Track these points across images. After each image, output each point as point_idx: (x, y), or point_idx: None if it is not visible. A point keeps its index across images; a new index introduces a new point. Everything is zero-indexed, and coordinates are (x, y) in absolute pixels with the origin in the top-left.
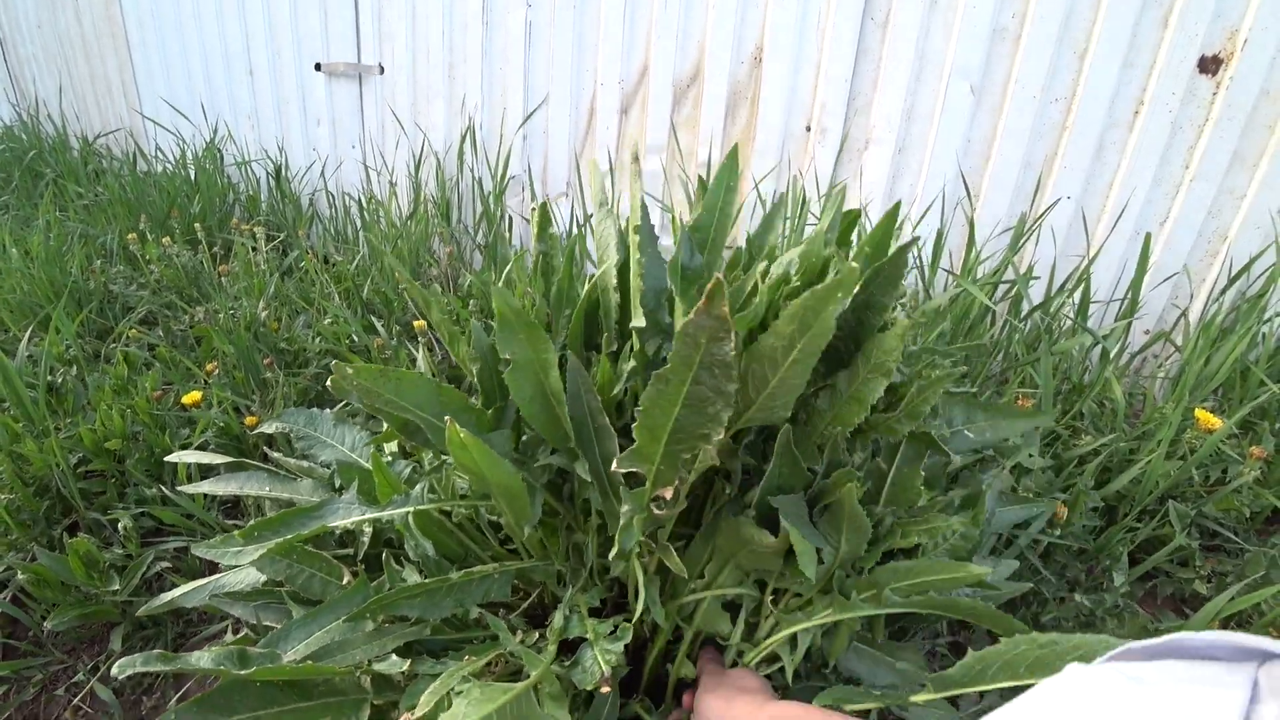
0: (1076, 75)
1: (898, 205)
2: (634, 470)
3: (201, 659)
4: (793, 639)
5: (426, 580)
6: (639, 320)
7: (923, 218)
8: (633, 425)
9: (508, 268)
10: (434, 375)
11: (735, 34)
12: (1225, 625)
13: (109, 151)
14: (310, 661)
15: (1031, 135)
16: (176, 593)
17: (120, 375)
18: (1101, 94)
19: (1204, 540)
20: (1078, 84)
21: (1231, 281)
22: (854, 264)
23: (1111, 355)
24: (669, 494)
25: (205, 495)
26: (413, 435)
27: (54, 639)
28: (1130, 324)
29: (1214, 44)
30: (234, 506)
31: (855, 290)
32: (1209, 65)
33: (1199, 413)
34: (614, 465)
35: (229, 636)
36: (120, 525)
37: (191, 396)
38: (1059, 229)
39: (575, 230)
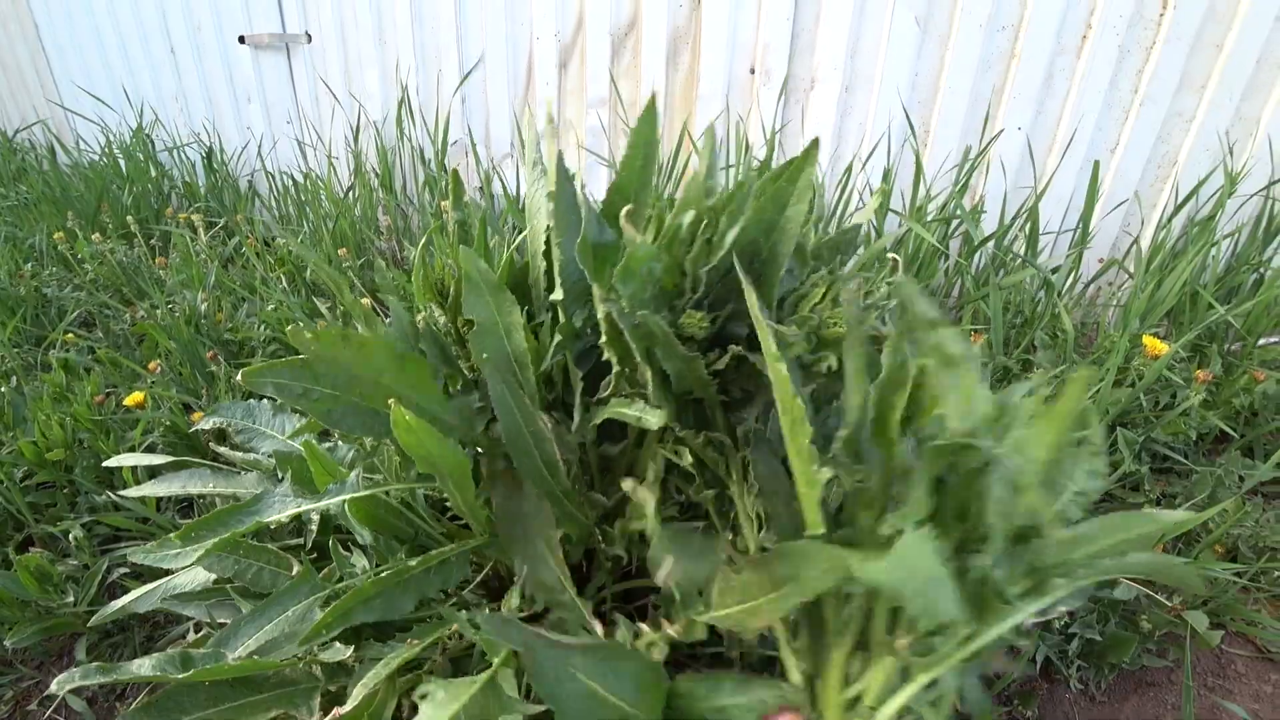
0: (1023, 1)
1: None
2: None
3: (142, 666)
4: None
5: (382, 574)
6: (558, 294)
7: (870, 156)
8: None
9: (424, 238)
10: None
11: None
12: (1174, 544)
13: (31, 147)
14: (257, 657)
15: (979, 66)
16: (127, 599)
17: (58, 383)
18: (1049, 19)
19: (1155, 464)
20: (1024, 9)
21: (1180, 206)
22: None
23: (1064, 286)
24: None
25: (158, 497)
26: (339, 422)
27: (20, 655)
28: (1081, 254)
29: None
30: (189, 506)
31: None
32: None
33: (1146, 339)
34: None
35: (191, 636)
36: (71, 536)
37: (134, 398)
38: (1009, 162)
39: (519, 196)
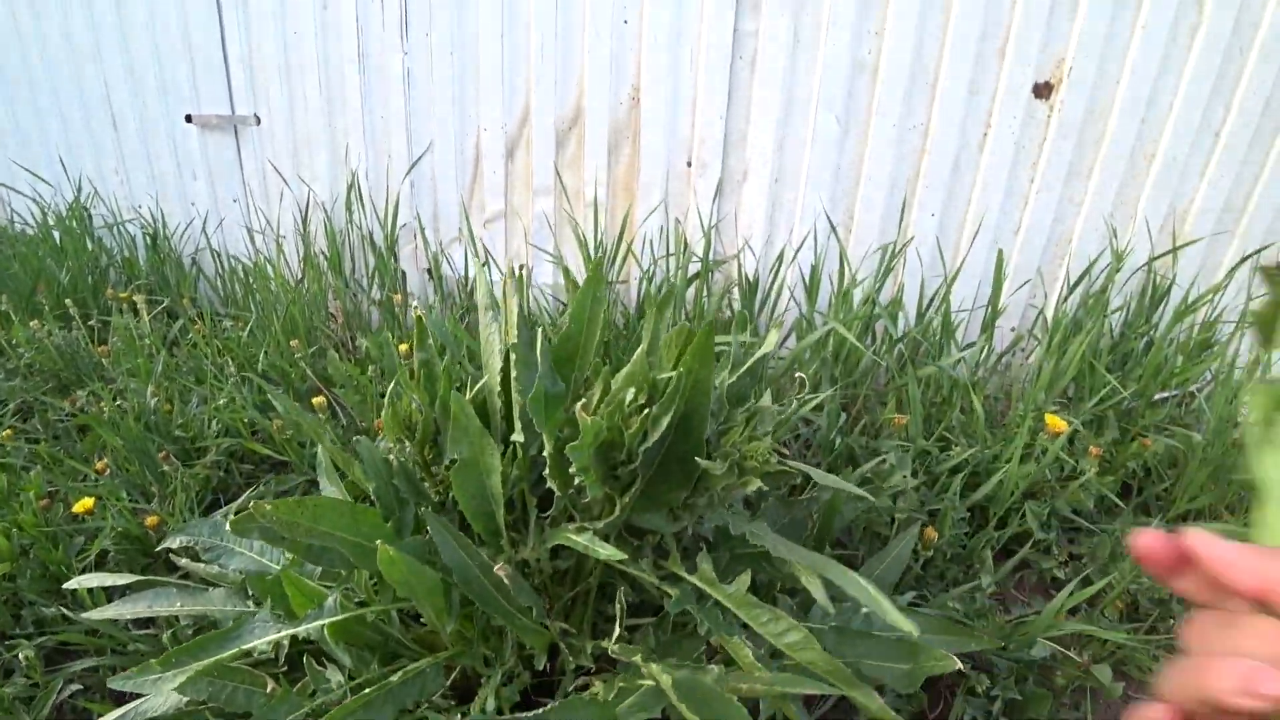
0: (930, 103)
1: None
2: None
3: None
4: None
5: (365, 693)
6: (518, 435)
7: (799, 249)
8: None
9: (393, 382)
10: (340, 476)
11: (612, 75)
12: (1083, 605)
13: None
14: None
15: (895, 159)
16: None
17: (0, 487)
18: (953, 119)
19: (1065, 527)
20: (931, 111)
21: (1076, 283)
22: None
23: (979, 359)
24: None
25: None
26: (318, 559)
27: None
28: (992, 331)
29: (1045, 71)
30: (147, 621)
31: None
32: (1042, 91)
33: (1048, 418)
34: None
35: None
36: (22, 655)
37: (83, 504)
38: (925, 248)
39: (468, 278)
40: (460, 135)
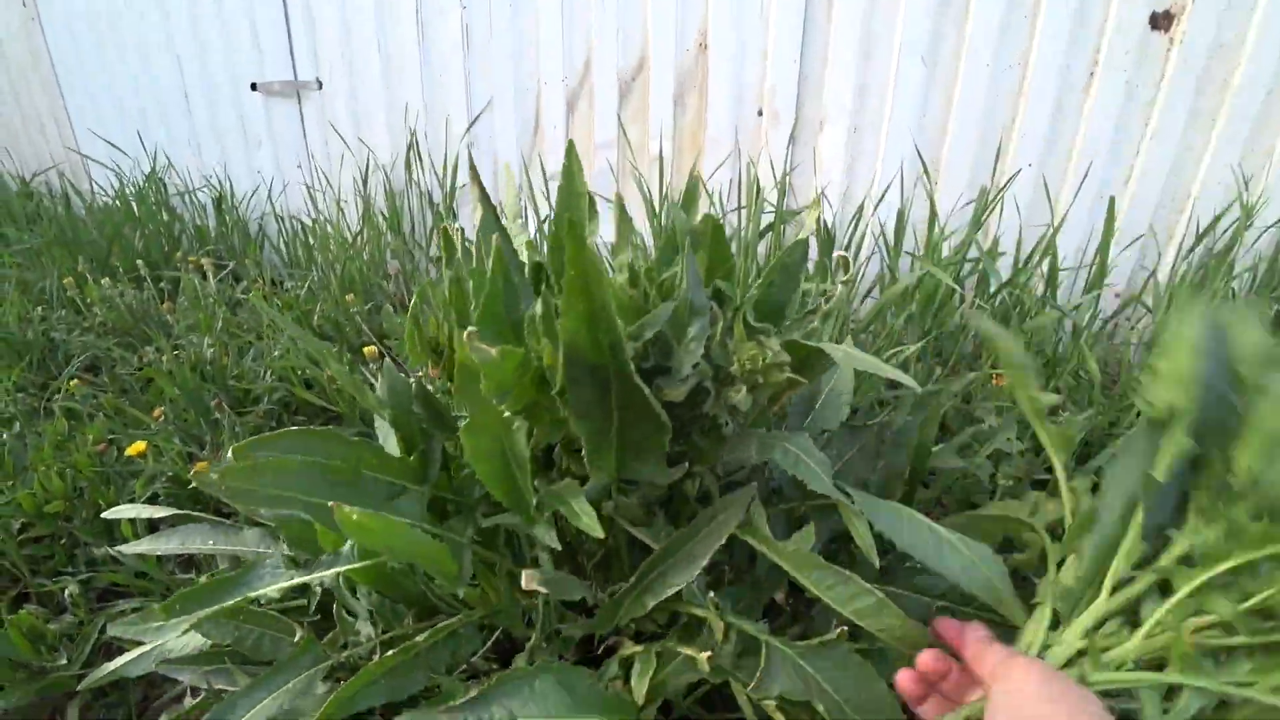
0: (1028, 39)
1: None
2: None
3: None
4: None
5: (388, 656)
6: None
7: (880, 200)
8: None
9: (413, 299)
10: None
11: (678, 22)
12: None
13: (48, 192)
14: None
15: (988, 103)
16: (118, 663)
17: (60, 430)
18: (1054, 57)
19: None
20: (1030, 48)
21: (1199, 239)
22: None
23: (1083, 324)
24: None
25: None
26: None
27: (11, 716)
28: (1100, 293)
29: None
30: (189, 560)
31: None
32: (1161, 21)
33: None
34: None
35: (188, 701)
36: (67, 592)
37: (136, 447)
38: (1022, 199)
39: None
40: (520, 91)
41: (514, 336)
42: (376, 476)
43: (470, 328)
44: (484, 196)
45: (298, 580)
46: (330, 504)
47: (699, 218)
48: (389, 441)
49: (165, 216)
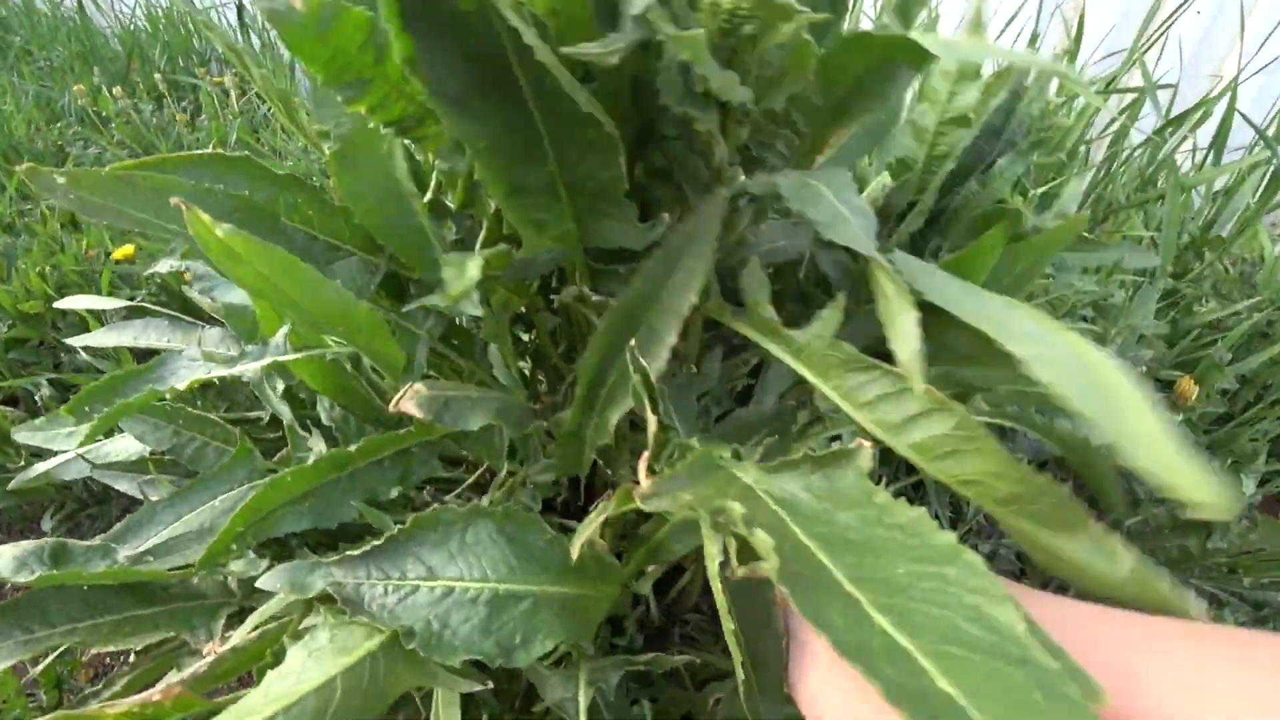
0: None
1: None
2: None
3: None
4: None
5: (306, 466)
6: None
7: (1013, 18)
8: None
9: None
10: None
11: None
12: None
13: (79, 7)
14: (151, 559)
15: None
16: (48, 465)
17: (53, 234)
18: None
19: None
20: None
21: None
22: None
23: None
24: None
25: (130, 353)
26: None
27: None
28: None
29: None
30: None
31: None
32: None
33: None
34: None
35: None
36: (39, 394)
37: (123, 250)
38: (1187, 38)
39: None
40: None
41: None
42: (310, 232)
43: None
44: None
45: (215, 374)
46: (182, 206)
47: None
48: None
49: (184, 31)
